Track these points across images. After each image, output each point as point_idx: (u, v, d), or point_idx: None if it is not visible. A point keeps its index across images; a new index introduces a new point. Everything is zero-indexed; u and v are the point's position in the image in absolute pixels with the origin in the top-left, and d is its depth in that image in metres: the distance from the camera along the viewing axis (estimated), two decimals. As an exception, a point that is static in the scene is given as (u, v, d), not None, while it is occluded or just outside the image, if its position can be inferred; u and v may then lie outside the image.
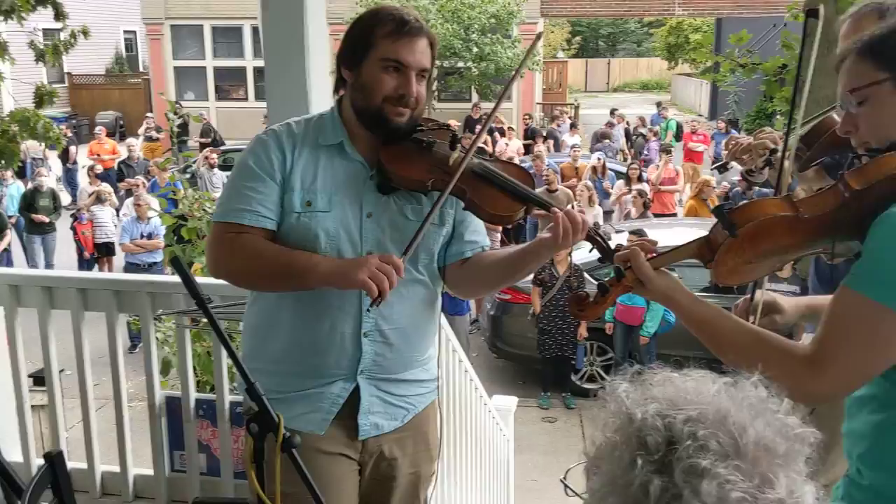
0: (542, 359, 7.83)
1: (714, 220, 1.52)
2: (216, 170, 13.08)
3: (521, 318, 7.94)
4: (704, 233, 1.56)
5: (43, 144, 10.22)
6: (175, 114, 8.47)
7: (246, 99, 23.17)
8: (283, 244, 1.87)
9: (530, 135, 17.78)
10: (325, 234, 1.87)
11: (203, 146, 16.11)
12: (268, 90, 2.79)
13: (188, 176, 11.74)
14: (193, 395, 3.03)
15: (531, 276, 7.53)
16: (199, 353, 3.77)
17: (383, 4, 1.91)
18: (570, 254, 7.52)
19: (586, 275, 7.60)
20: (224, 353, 3.00)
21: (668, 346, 7.22)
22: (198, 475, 3.03)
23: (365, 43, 1.86)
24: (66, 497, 1.89)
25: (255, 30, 20.85)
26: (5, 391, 3.19)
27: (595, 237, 1.86)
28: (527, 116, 19.87)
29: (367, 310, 1.84)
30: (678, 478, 0.80)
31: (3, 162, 7.80)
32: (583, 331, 7.64)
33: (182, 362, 3.00)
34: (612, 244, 1.83)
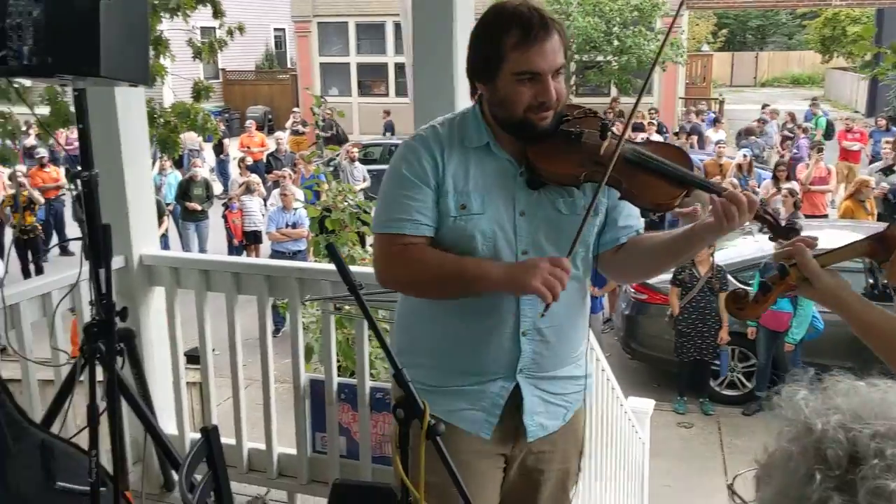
0: (679, 362, 7.59)
1: (874, 223, 1.41)
2: (357, 163, 13.45)
3: (658, 319, 7.72)
4: (861, 235, 1.46)
5: (200, 137, 10.84)
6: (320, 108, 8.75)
7: (386, 95, 23.72)
8: (439, 248, 1.88)
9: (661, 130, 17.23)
10: (481, 235, 1.86)
11: (327, 141, 16.64)
12: (414, 86, 2.82)
13: (331, 169, 12.14)
14: (336, 379, 3.12)
15: (669, 276, 7.31)
16: (340, 341, 3.88)
17: (506, 1, 1.83)
18: (712, 254, 7.24)
19: (730, 276, 7.29)
20: (366, 339, 3.08)
21: (814, 354, 6.82)
22: (338, 457, 3.12)
23: (494, 57, 1.80)
24: (220, 470, 1.99)
25: (397, 26, 21.28)
26: (164, 367, 3.39)
27: (765, 216, 1.75)
28: (653, 111, 19.21)
29: (542, 315, 1.79)
30: (862, 499, 0.73)
31: (164, 152, 8.30)
32: (725, 334, 7.33)
33: (326, 346, 3.09)
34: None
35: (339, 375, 3.20)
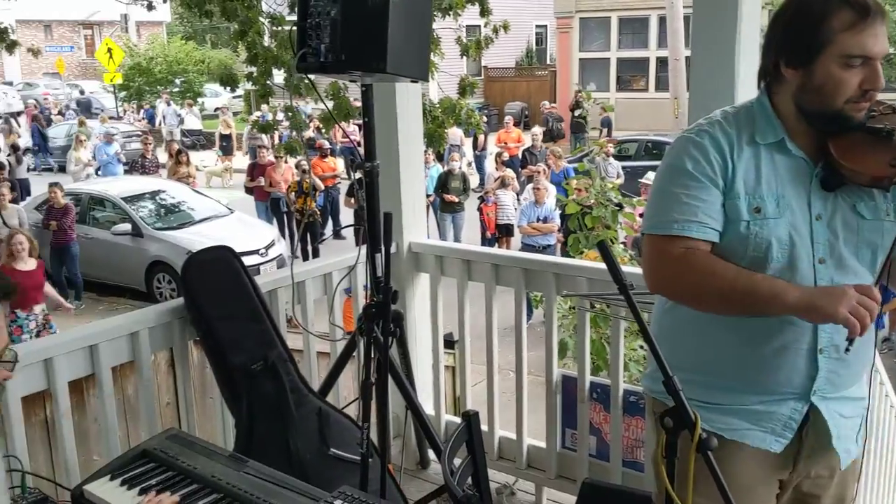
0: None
1: None
2: (611, 159, 13.25)
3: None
4: None
5: (461, 132, 11.25)
6: (579, 105, 8.73)
7: (646, 90, 23.15)
8: (723, 256, 1.72)
9: None
10: (777, 242, 1.70)
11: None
12: (692, 79, 2.70)
13: (591, 165, 12.07)
14: (588, 377, 3.09)
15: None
16: (594, 339, 3.83)
17: None
18: None
19: None
20: (622, 339, 3.02)
21: None
22: (587, 456, 3.09)
23: (817, 38, 1.63)
24: (478, 455, 2.03)
25: (661, 20, 20.68)
26: (425, 349, 3.56)
27: None
28: None
29: (847, 350, 1.63)
30: None
31: (431, 145, 8.71)
32: None
33: (581, 343, 3.07)
34: None
35: (591, 372, 3.16)
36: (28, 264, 7.51)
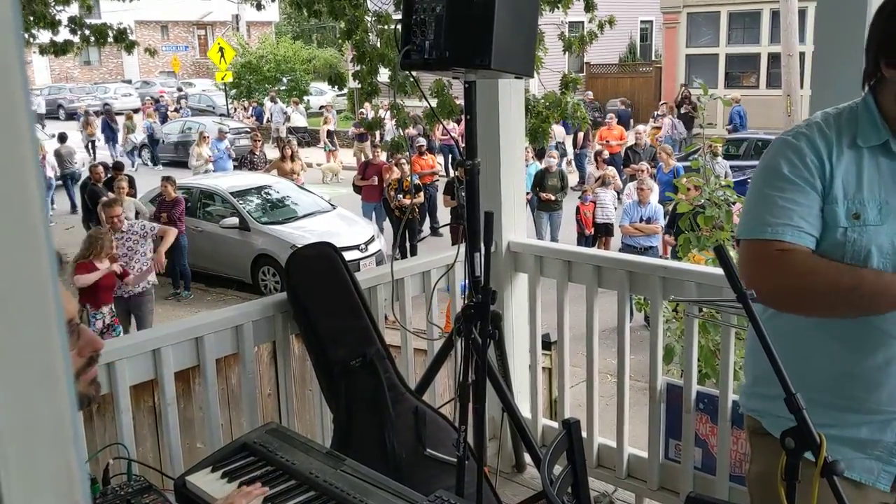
0: None
1: None
2: (719, 158, 12.80)
3: None
4: None
5: (562, 129, 11.10)
6: (687, 98, 8.46)
7: (757, 87, 22.31)
8: None
9: None
10: (877, 250, 1.59)
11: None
12: (815, 75, 2.54)
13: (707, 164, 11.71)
14: (695, 386, 2.96)
15: None
16: (702, 345, 3.68)
17: None
18: None
19: None
20: (732, 348, 2.87)
21: None
22: (691, 469, 2.97)
23: None
24: (579, 465, 1.97)
25: (774, 14, 19.86)
26: (522, 351, 3.50)
27: None
28: None
29: None
30: None
31: (534, 142, 8.62)
32: None
33: (688, 352, 2.94)
34: None
35: (698, 381, 3.04)
36: (103, 264, 7.46)
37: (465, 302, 2.58)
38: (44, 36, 12.48)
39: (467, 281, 2.61)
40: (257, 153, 15.63)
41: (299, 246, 3.23)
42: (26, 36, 12.14)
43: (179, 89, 32.75)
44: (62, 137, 17.34)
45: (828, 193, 1.63)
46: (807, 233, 1.62)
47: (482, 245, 2.40)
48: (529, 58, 2.58)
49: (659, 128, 18.02)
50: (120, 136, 22.76)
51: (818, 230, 1.63)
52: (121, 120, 23.10)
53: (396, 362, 2.86)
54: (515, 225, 3.45)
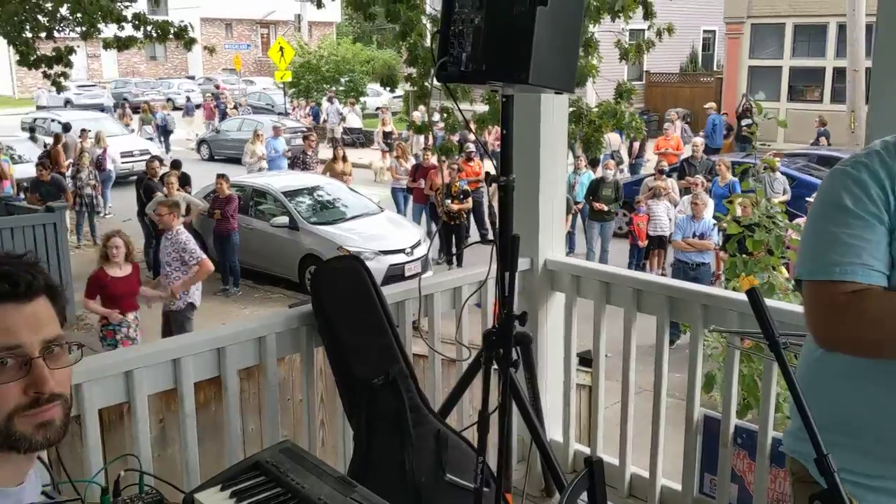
0: None
1: None
2: (778, 174, 12.45)
3: None
4: None
5: (624, 138, 10.90)
6: (749, 109, 8.24)
7: (820, 101, 21.70)
8: None
9: None
10: None
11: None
12: (872, 92, 2.40)
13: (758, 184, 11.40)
14: (734, 420, 2.83)
15: None
16: (745, 374, 3.53)
17: None
18: None
19: None
20: (774, 382, 2.74)
21: None
22: (726, 505, 2.84)
23: None
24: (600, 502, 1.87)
25: (840, 27, 19.30)
26: (556, 370, 3.40)
27: None
28: None
29: None
30: None
31: (588, 151, 8.48)
32: None
33: (728, 385, 2.81)
34: None
35: (738, 410, 2.90)
36: (123, 270, 6.96)
37: (495, 322, 2.50)
38: (109, 30, 12.79)
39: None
40: (310, 153, 15.74)
41: (346, 247, 3.18)
42: (91, 29, 12.45)
43: (215, 87, 33.42)
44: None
45: (894, 227, 1.51)
46: (878, 271, 1.50)
47: (509, 269, 2.31)
48: (570, 73, 2.48)
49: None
50: (135, 125, 23.68)
51: (888, 268, 1.52)
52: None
53: (423, 375, 2.79)
54: (553, 242, 3.36)
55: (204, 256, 7.48)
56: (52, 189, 12.29)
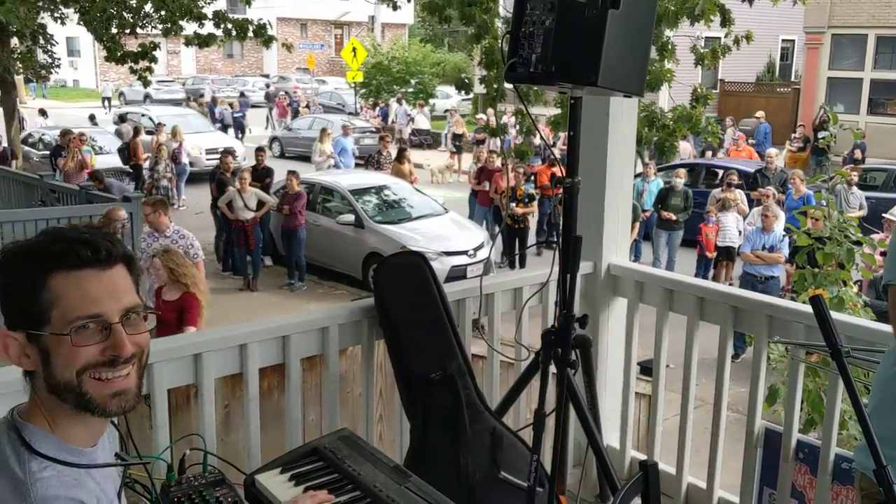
0: None
1: None
2: (855, 188, 12.09)
3: None
4: None
5: (690, 146, 10.71)
6: (826, 121, 8.01)
7: (903, 114, 20.95)
8: None
9: None
10: None
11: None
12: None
13: (831, 196, 11.08)
14: (795, 434, 2.77)
15: None
16: (810, 390, 3.45)
17: None
18: None
19: None
20: (839, 398, 2.67)
21: None
22: (789, 521, 2.78)
23: None
24: (653, 509, 1.87)
25: (929, 38, 18.58)
26: (616, 377, 3.37)
27: None
28: None
29: None
30: None
31: (662, 156, 8.37)
32: None
33: (790, 399, 2.75)
34: None
35: (802, 427, 2.84)
36: (168, 294, 5.48)
37: (555, 322, 2.50)
38: (189, 27, 13.18)
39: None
40: (384, 153, 15.88)
41: (409, 247, 3.23)
42: (172, 27, 12.85)
43: (274, 85, 33.95)
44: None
45: None
46: None
47: (570, 270, 2.31)
48: (641, 76, 2.47)
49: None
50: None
51: None
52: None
53: (482, 374, 2.80)
54: (618, 247, 3.34)
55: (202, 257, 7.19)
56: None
